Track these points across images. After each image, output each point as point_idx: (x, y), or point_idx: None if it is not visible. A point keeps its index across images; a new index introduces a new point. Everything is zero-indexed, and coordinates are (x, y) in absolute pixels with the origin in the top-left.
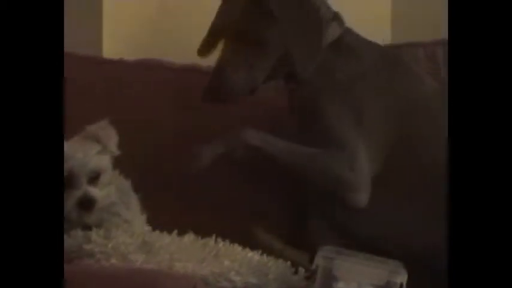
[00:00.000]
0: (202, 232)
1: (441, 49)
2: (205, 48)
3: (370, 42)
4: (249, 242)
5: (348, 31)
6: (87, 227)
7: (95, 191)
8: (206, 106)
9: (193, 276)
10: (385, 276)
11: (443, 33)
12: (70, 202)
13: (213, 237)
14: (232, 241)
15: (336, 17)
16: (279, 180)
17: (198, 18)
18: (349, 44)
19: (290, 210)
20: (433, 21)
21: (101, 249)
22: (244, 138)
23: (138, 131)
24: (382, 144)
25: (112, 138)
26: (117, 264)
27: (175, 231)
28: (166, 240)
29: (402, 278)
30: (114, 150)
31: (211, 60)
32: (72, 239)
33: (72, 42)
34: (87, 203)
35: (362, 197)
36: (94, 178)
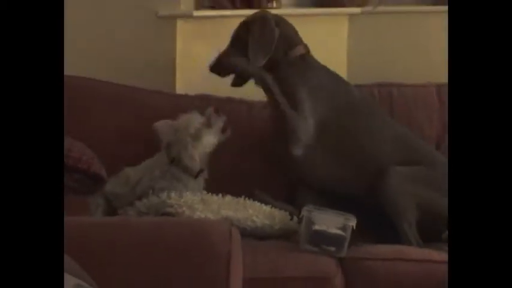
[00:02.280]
0: (234, 194)
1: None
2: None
3: (319, 66)
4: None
5: (310, 56)
6: None
7: None
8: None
9: (231, 219)
10: (342, 221)
11: None
12: None
13: (243, 197)
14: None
15: (303, 44)
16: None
17: None
18: (309, 62)
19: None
20: None
21: (177, 202)
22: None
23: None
24: (322, 119)
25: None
26: (184, 216)
27: (220, 194)
28: (215, 198)
29: (353, 222)
30: None
31: (242, 93)
32: (160, 197)
33: (151, 82)
34: None
35: (298, 151)
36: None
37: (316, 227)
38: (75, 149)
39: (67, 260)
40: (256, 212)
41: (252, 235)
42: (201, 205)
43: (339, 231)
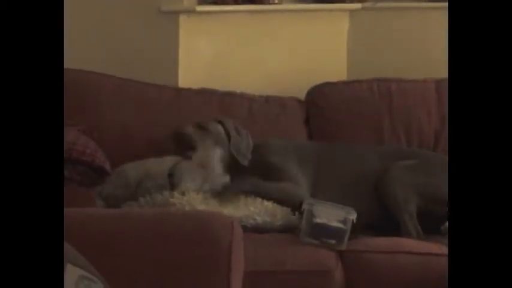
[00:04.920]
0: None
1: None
2: None
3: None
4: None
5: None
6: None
7: None
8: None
9: (232, 216)
10: (343, 215)
11: None
12: None
13: (243, 195)
14: None
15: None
16: None
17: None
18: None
19: None
20: None
21: (180, 201)
22: (242, 187)
23: None
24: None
25: None
26: (187, 209)
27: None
28: (216, 197)
29: (353, 215)
30: None
31: (244, 88)
32: (164, 196)
33: (154, 76)
34: None
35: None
36: None
37: (317, 220)
38: (79, 142)
39: (72, 251)
40: (258, 210)
41: (253, 231)
42: (203, 204)
43: (339, 224)
